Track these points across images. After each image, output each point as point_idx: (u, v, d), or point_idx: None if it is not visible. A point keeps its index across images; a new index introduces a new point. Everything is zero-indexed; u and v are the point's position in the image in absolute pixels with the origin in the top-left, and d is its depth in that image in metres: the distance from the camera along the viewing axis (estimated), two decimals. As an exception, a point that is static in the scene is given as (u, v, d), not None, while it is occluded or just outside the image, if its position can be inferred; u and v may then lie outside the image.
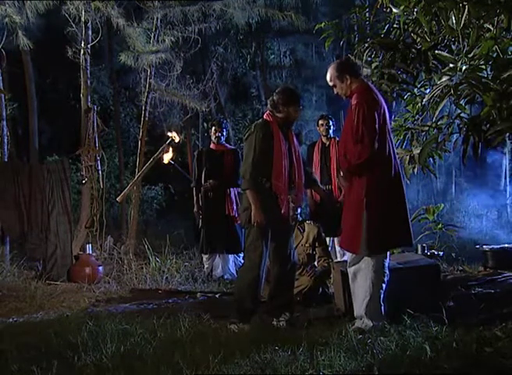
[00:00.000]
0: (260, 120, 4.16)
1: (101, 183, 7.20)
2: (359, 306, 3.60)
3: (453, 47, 3.35)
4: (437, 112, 3.21)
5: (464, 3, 2.98)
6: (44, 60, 11.12)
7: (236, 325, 3.84)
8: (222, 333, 3.56)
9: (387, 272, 3.61)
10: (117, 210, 11.53)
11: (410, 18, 3.44)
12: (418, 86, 3.70)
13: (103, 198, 7.24)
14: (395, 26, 3.63)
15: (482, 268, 5.92)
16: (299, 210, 4.25)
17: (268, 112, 4.17)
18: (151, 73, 7.94)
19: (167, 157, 6.86)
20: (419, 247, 6.24)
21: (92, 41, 7.42)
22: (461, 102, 3.23)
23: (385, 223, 3.52)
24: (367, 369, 2.71)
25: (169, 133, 6.87)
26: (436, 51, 3.27)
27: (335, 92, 3.74)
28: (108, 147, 11.99)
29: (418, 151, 3.65)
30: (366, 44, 3.52)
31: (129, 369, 2.87)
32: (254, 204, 3.92)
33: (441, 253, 6.27)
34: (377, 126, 3.44)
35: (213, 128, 6.29)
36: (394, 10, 3.44)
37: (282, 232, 4.08)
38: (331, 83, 3.72)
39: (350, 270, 3.65)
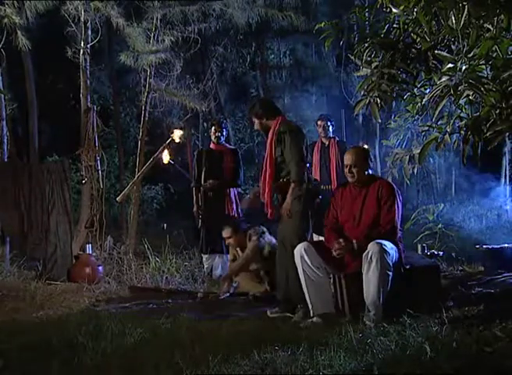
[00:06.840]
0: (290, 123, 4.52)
1: (101, 183, 7.19)
2: (375, 295, 3.65)
3: (453, 47, 3.34)
4: (437, 112, 3.20)
5: (464, 3, 2.98)
6: (44, 60, 11.12)
7: (276, 311, 4.24)
8: (222, 334, 3.56)
9: None
10: (117, 210, 11.53)
11: (410, 18, 3.43)
12: (418, 86, 3.69)
13: (103, 198, 7.23)
14: (395, 26, 3.62)
15: (482, 268, 5.92)
16: None
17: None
18: (150, 73, 7.93)
19: (165, 158, 6.87)
20: (419, 247, 6.25)
21: (92, 41, 7.41)
22: (461, 102, 3.22)
23: None
24: (367, 369, 2.71)
25: (175, 131, 6.86)
26: (436, 51, 3.26)
27: (352, 179, 4.04)
28: (108, 147, 12.00)
29: (418, 151, 3.64)
30: (366, 44, 3.50)
31: (129, 369, 2.87)
32: (294, 196, 4.22)
33: (441, 253, 6.27)
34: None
35: (213, 128, 6.29)
36: (394, 10, 3.43)
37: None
38: (354, 169, 4.00)
39: (375, 259, 3.67)
